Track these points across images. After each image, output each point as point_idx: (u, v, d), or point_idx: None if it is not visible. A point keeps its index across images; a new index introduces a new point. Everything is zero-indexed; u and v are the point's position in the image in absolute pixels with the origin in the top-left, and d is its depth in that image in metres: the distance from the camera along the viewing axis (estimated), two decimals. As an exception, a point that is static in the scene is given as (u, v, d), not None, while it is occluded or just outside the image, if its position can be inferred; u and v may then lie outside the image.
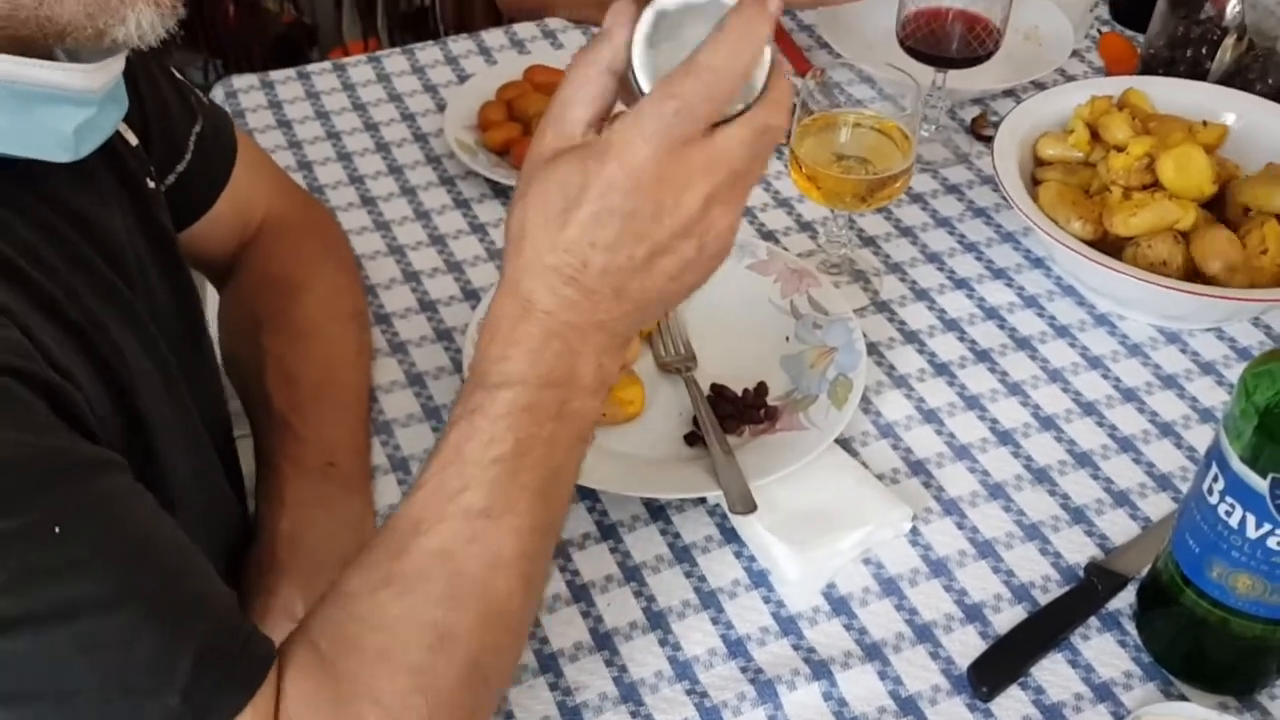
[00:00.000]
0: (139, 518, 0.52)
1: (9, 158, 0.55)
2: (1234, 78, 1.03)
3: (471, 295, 0.94)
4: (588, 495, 0.79)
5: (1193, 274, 0.87)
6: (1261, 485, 0.59)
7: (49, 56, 0.57)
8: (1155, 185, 0.90)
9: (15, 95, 0.54)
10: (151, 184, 0.70)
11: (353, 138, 1.10)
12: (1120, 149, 0.92)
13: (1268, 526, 0.60)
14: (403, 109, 1.14)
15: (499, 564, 0.55)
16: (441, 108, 1.13)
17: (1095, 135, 0.96)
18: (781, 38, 1.21)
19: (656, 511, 0.78)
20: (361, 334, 0.87)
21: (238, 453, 0.81)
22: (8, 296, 0.52)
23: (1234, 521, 0.61)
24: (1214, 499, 0.62)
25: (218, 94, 1.15)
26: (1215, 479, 0.62)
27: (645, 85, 0.52)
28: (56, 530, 0.47)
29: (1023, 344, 0.90)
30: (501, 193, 1.03)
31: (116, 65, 0.60)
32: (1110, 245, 0.89)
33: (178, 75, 0.79)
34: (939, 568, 0.75)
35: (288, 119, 1.12)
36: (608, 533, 0.77)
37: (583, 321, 0.54)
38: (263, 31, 2.60)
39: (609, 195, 0.51)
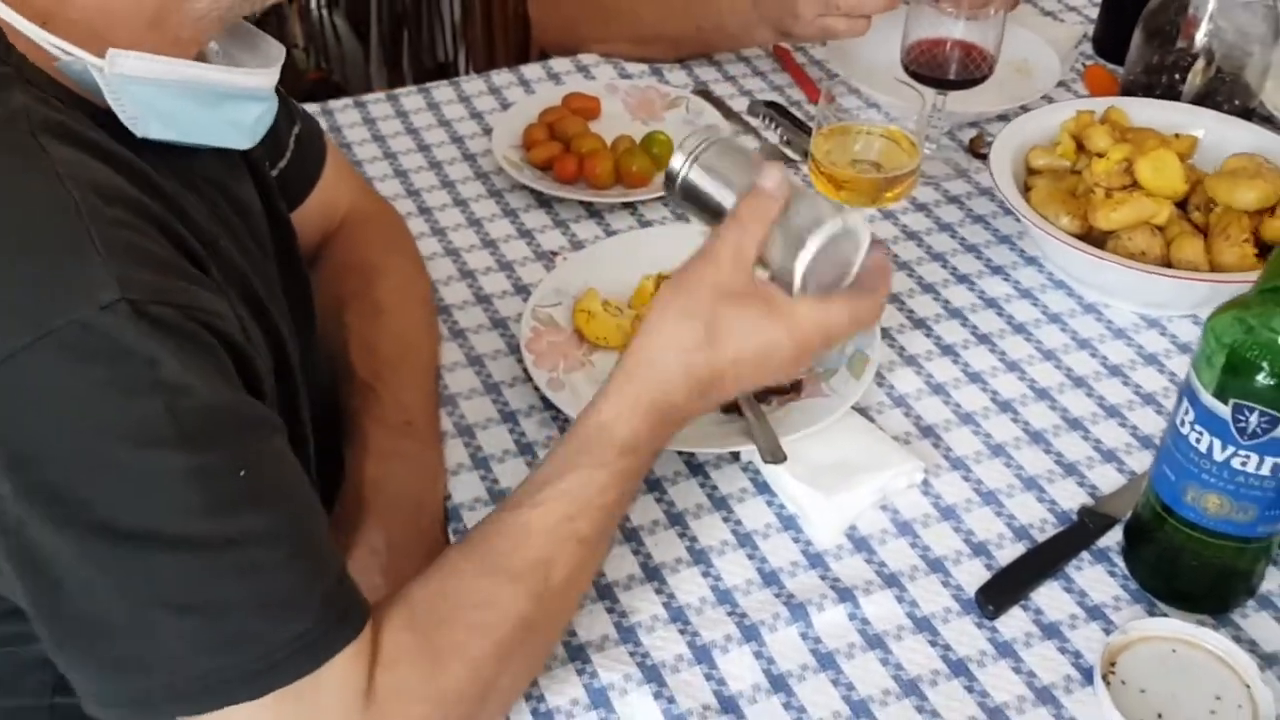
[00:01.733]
0: (296, 473, 0.62)
1: (185, 145, 0.65)
2: (1204, 99, 1.15)
3: (522, 289, 1.04)
4: (634, 454, 0.88)
5: (1169, 265, 0.97)
6: (1225, 411, 0.69)
7: (202, 53, 0.68)
8: (1134, 186, 1.01)
9: (212, 95, 0.65)
10: (273, 170, 0.81)
11: (408, 157, 1.21)
12: (1101, 155, 1.03)
13: (1231, 449, 0.70)
14: (452, 133, 1.25)
15: (576, 583, 0.70)
16: (488, 132, 1.24)
17: (1080, 146, 1.07)
18: (794, 70, 1.33)
19: (696, 467, 0.88)
20: (430, 316, 0.97)
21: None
22: (215, 269, 0.63)
23: (1203, 447, 0.71)
24: (1185, 430, 0.72)
25: (284, 120, 1.26)
26: (1186, 412, 0.72)
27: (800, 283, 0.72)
28: (242, 473, 0.57)
29: (1019, 329, 1.00)
30: (545, 203, 1.14)
31: (279, 64, 0.71)
32: (1094, 239, 0.99)
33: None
34: (948, 513, 0.84)
35: (347, 142, 1.23)
36: (653, 485, 0.87)
37: (687, 415, 0.72)
38: (291, 86, 2.75)
39: (767, 348, 0.71)
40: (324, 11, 2.58)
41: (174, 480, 0.55)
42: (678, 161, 0.75)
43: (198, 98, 0.65)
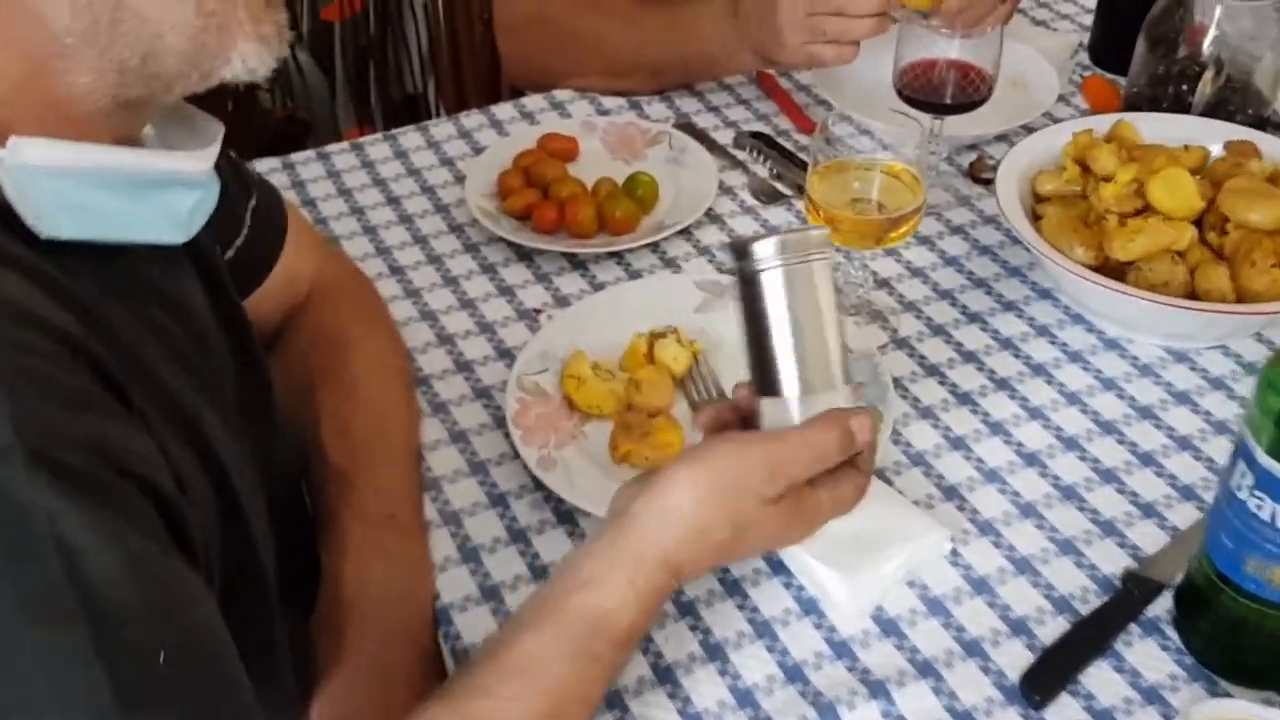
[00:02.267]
0: (219, 647, 0.52)
1: (112, 244, 0.58)
2: (1215, 110, 1.09)
3: (505, 354, 0.97)
4: (636, 536, 0.81)
5: (1193, 294, 0.91)
6: (1289, 478, 0.62)
7: (135, 140, 0.61)
8: (1147, 209, 0.95)
9: (135, 183, 0.58)
10: (223, 254, 0.74)
11: (376, 212, 1.14)
12: (1109, 178, 0.96)
13: (1298, 518, 0.63)
14: (421, 182, 1.18)
15: (588, 698, 0.63)
16: (459, 180, 1.17)
17: (1086, 169, 1.00)
18: (781, 97, 1.27)
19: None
20: (408, 390, 0.90)
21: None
22: (143, 399, 0.54)
23: (1265, 515, 0.64)
24: (1244, 495, 0.65)
25: (243, 178, 1.19)
26: (1244, 475, 0.65)
27: None
28: (160, 658, 0.47)
29: (1038, 370, 0.94)
30: (525, 255, 1.07)
31: (218, 143, 0.64)
32: (1112, 271, 0.93)
33: (230, 153, 0.83)
34: (981, 585, 0.78)
35: (311, 197, 1.16)
36: (659, 570, 0.80)
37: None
38: (259, 126, 2.66)
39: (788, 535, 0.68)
40: (288, 48, 2.51)
41: (73, 666, 0.45)
42: (766, 251, 0.64)
43: (121, 188, 0.58)
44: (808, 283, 0.65)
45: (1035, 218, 0.99)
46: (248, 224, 0.84)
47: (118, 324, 0.57)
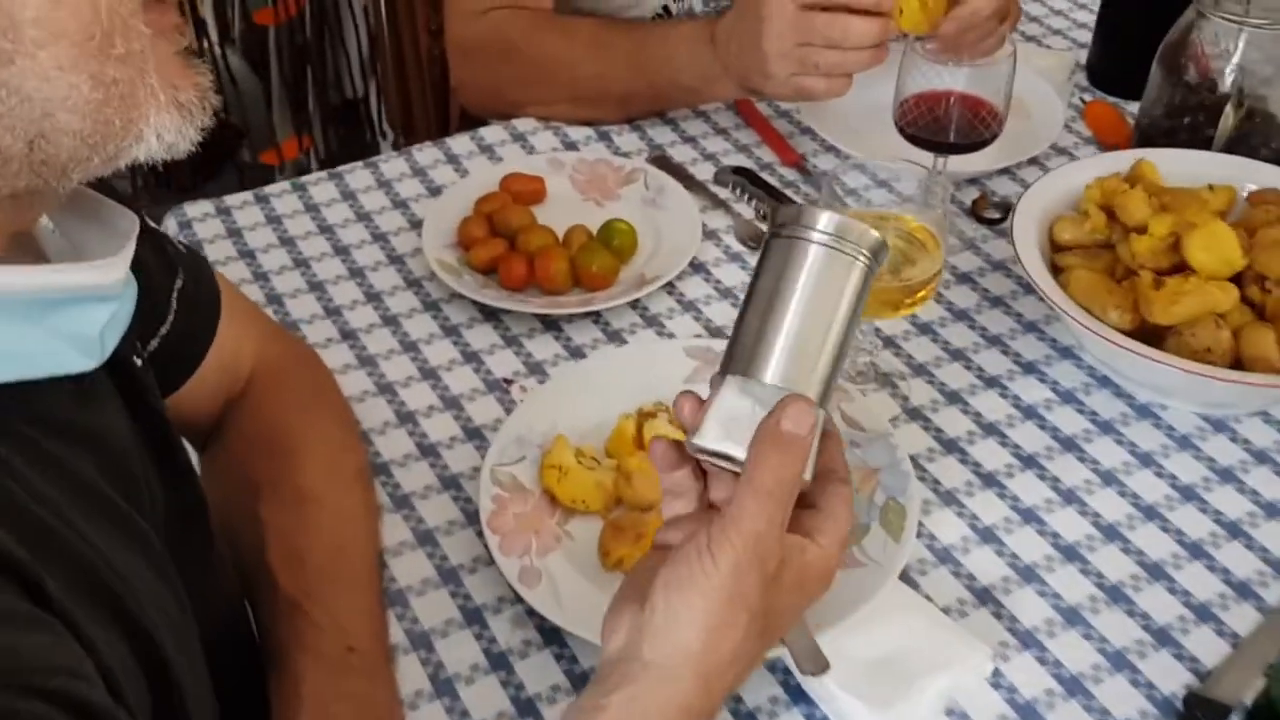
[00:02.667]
0: None
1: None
2: (1237, 145, 1.01)
3: (474, 434, 0.87)
4: (635, 660, 0.71)
5: (1237, 360, 0.83)
6: None
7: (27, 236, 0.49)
8: (1183, 264, 0.86)
9: (29, 305, 0.47)
10: (139, 361, 0.62)
11: (322, 264, 1.03)
12: (1140, 230, 0.88)
13: None
14: (373, 228, 1.06)
15: None
16: (414, 224, 1.06)
17: (1110, 214, 0.92)
18: (761, 125, 1.17)
19: (712, 672, 0.71)
20: (368, 495, 0.79)
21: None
22: (59, 585, 0.44)
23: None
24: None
25: (169, 225, 1.07)
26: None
27: None
28: None
29: (1068, 445, 0.85)
30: (491, 315, 0.96)
31: (132, 243, 0.52)
32: (1148, 331, 0.84)
33: (149, 222, 0.72)
34: (1028, 713, 0.69)
35: (250, 249, 1.04)
36: (662, 702, 0.70)
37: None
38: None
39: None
40: (218, 50, 2.36)
41: None
42: (820, 224, 0.55)
43: (11, 313, 0.47)
44: (844, 278, 0.56)
45: (1055, 268, 0.90)
46: (174, 309, 0.72)
47: (17, 481, 0.46)
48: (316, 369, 0.85)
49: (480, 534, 0.78)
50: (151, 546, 0.56)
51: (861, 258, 0.56)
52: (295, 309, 0.98)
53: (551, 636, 0.73)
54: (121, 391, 0.59)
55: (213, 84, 0.50)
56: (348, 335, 0.95)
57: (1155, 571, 0.76)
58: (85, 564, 0.48)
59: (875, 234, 0.57)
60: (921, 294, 0.81)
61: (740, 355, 0.57)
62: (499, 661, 0.72)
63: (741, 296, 0.95)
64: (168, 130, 0.49)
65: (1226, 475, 0.83)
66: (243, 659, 0.70)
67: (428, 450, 0.85)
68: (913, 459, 0.83)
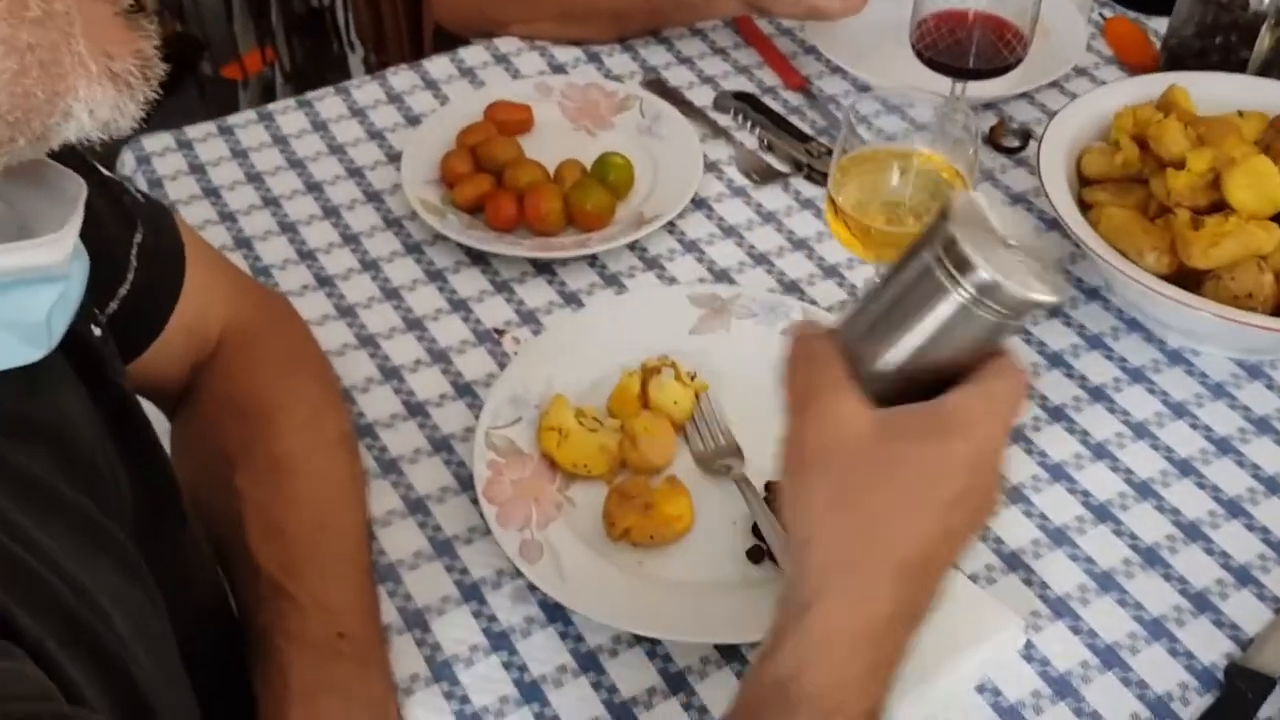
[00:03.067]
0: None
1: None
2: (1273, 67, 0.94)
3: (465, 391, 0.81)
4: (643, 639, 0.67)
5: (1278, 303, 0.78)
6: None
7: None
8: (1221, 202, 0.81)
9: None
10: (98, 331, 0.56)
11: (294, 203, 0.95)
12: (1177, 164, 0.82)
13: None
14: (347, 162, 0.99)
15: None
16: (392, 158, 0.99)
17: (1142, 146, 0.86)
18: (763, 45, 1.09)
19: (729, 650, 0.67)
20: (352, 461, 0.73)
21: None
22: (21, 608, 0.40)
23: None
24: None
25: (127, 161, 0.99)
26: None
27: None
28: None
29: (1097, 394, 0.80)
30: (479, 258, 0.90)
31: (78, 213, 0.46)
32: (1183, 273, 0.79)
33: (104, 171, 0.64)
34: (1063, 687, 0.65)
35: (214, 186, 0.97)
36: (676, 684, 0.66)
37: (905, 621, 0.48)
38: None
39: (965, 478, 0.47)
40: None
41: None
42: (984, 285, 0.45)
43: None
44: (980, 331, 0.47)
45: (1083, 204, 0.85)
46: (133, 265, 0.65)
47: None
48: (292, 323, 0.79)
49: (475, 501, 0.73)
50: (118, 546, 0.51)
51: (1010, 324, 0.47)
52: (266, 253, 0.91)
53: (556, 613, 0.68)
54: (77, 370, 0.53)
55: (159, 50, 0.43)
56: (324, 282, 0.89)
57: (1191, 531, 0.72)
58: (40, 581, 0.43)
59: (1044, 299, 0.46)
60: (947, 238, 0.75)
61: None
62: (500, 641, 0.67)
63: (756, 237, 0.89)
64: (101, 105, 0.43)
65: (1263, 426, 0.79)
66: (225, 648, 0.65)
67: (415, 409, 0.80)
68: (933, 412, 0.78)
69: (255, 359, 0.73)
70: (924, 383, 0.48)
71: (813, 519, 0.47)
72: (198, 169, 0.98)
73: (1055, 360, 0.82)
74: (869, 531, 0.46)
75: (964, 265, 0.45)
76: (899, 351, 0.48)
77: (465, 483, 0.75)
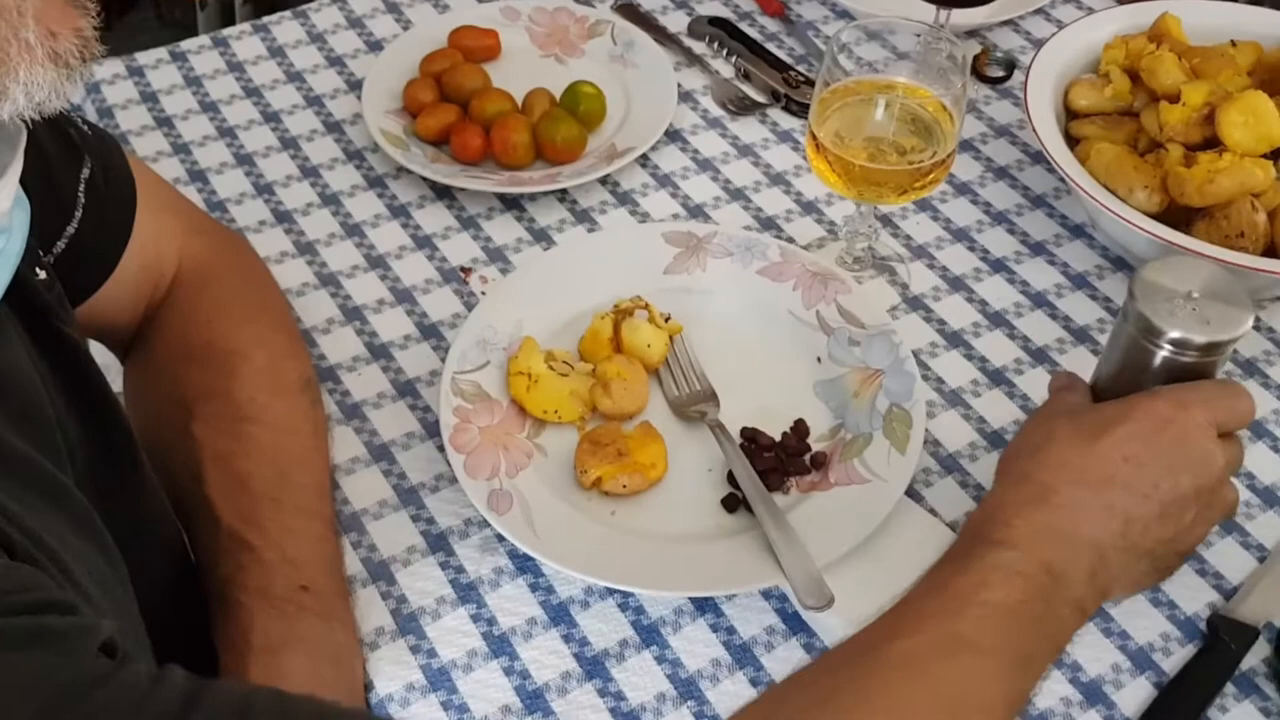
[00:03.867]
0: None
1: None
2: (1268, -6, 0.91)
3: (430, 332, 0.78)
4: (615, 591, 0.65)
5: (1271, 245, 0.76)
6: None
7: None
8: (1214, 138, 0.78)
9: None
10: (41, 273, 0.53)
11: (250, 133, 0.91)
12: (1171, 98, 0.79)
13: None
14: (305, 91, 0.95)
15: (971, 698, 0.49)
16: (353, 86, 0.94)
17: (1134, 78, 0.83)
18: (740, -31, 1.05)
19: (703, 602, 0.65)
20: (315, 408, 0.70)
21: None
22: None
23: None
24: None
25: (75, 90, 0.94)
26: None
27: None
28: None
29: (1081, 336, 0.78)
30: (444, 193, 0.86)
31: (17, 164, 0.43)
32: (1173, 211, 0.77)
33: None
34: (1043, 638, 0.64)
35: (167, 115, 0.92)
36: (649, 636, 0.64)
37: (1085, 531, 0.53)
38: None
39: (1147, 431, 0.55)
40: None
41: None
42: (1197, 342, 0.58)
43: None
44: (1187, 373, 0.60)
45: (1070, 138, 0.82)
46: (81, 203, 0.62)
47: None
48: (250, 262, 0.75)
49: (441, 447, 0.70)
50: (72, 500, 0.49)
51: (1206, 362, 0.59)
52: (222, 187, 0.87)
53: (525, 564, 0.67)
54: (21, 318, 0.50)
55: (98, 30, 0.40)
56: (282, 218, 0.85)
57: (1176, 478, 0.71)
58: (4, 537, 0.41)
59: (1221, 337, 0.58)
60: (931, 176, 0.73)
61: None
62: (468, 593, 0.65)
63: (732, 171, 0.86)
64: (40, 87, 0.42)
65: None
66: (185, 602, 0.62)
67: (379, 352, 0.77)
68: (914, 353, 0.76)
69: (213, 301, 0.69)
70: None
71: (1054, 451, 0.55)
72: (149, 97, 0.93)
73: (1038, 301, 0.80)
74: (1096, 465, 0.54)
75: (1155, 333, 0.58)
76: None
77: (431, 428, 0.73)
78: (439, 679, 0.62)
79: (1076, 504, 0.54)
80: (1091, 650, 0.63)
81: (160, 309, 0.69)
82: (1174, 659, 0.63)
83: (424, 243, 0.83)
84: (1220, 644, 0.63)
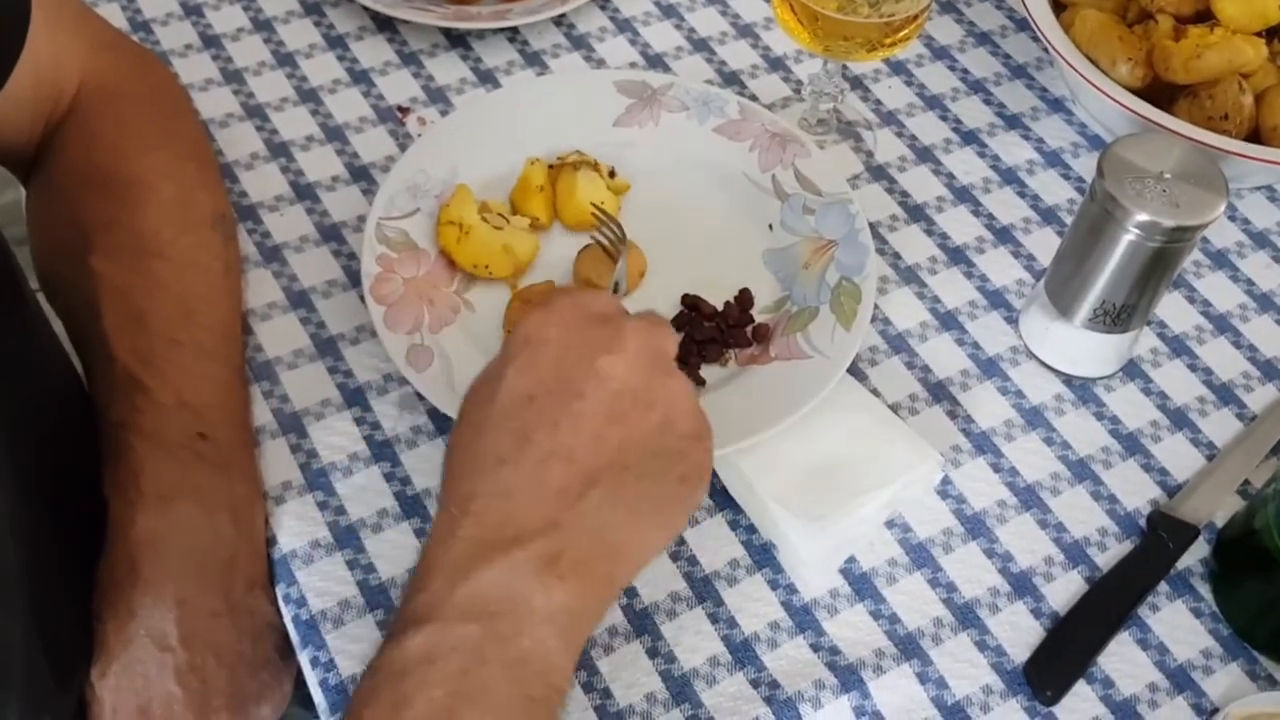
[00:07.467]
0: None
1: None
2: None
3: (361, 174, 0.73)
4: (539, 454, 0.62)
5: (1256, 130, 0.71)
6: None
7: None
8: (1206, 12, 0.73)
9: None
10: None
11: (179, -51, 0.84)
12: (1165, -35, 0.74)
13: None
14: (242, -96, 0.87)
15: None
16: (294, -97, 0.87)
17: (1129, -57, 0.77)
18: None
19: (628, 472, 0.62)
20: (228, 245, 0.65)
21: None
22: None
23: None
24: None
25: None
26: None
27: None
28: None
29: (1048, 217, 0.74)
30: (385, 25, 0.80)
31: None
32: (1156, 87, 0.72)
33: None
34: (976, 526, 0.62)
35: (88, -78, 0.85)
36: (569, 504, 0.61)
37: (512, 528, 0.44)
38: None
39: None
40: None
41: None
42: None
43: None
44: (1152, 256, 0.59)
45: (1058, 6, 0.76)
46: None
47: None
48: (162, 83, 0.69)
49: (364, 297, 0.66)
50: None
51: (1179, 244, 0.58)
52: (147, 7, 0.80)
53: (445, 424, 0.63)
54: None
55: None
56: (210, 42, 0.79)
57: (1131, 370, 0.68)
58: None
59: (1188, 222, 0.57)
60: (904, 33, 0.67)
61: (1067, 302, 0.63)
62: (382, 451, 0.62)
63: (697, 20, 0.80)
64: None
65: (1220, 260, 0.73)
66: (79, 445, 0.59)
67: (304, 192, 0.72)
68: (872, 226, 0.72)
69: (118, 123, 0.64)
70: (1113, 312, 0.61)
71: None
72: (68, -99, 0.86)
73: (1008, 178, 0.76)
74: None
75: (1122, 213, 0.56)
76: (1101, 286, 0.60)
77: (355, 277, 0.69)
78: (346, 537, 0.59)
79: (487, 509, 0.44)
80: (1024, 541, 0.61)
81: (60, 129, 0.64)
82: (1109, 554, 0.61)
83: (360, 78, 0.78)
84: (1158, 541, 0.61)
